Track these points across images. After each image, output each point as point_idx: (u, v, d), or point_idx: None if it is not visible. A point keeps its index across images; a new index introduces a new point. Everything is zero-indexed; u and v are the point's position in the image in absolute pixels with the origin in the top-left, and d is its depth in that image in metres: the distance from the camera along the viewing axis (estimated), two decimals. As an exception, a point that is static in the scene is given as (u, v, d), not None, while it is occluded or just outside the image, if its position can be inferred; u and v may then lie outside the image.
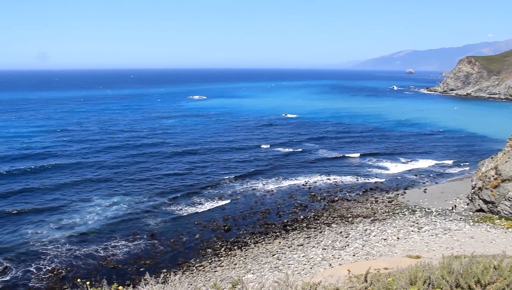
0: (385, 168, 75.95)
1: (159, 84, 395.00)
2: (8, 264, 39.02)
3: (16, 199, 55.54)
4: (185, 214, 52.39)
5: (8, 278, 37.05)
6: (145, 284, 10.85)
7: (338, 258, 39.88)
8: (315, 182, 66.64)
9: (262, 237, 45.97)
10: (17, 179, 63.73)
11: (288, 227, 48.77)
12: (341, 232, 46.28)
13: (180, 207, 54.58)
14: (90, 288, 11.46)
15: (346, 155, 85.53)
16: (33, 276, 37.47)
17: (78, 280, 14.04)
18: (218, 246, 43.86)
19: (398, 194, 60.16)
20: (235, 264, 39.57)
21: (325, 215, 52.47)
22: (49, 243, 43.43)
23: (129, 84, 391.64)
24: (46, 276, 37.47)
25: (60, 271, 38.20)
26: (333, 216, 52.03)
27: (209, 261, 40.59)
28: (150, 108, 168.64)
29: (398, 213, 52.21)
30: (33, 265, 39.21)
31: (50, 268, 38.61)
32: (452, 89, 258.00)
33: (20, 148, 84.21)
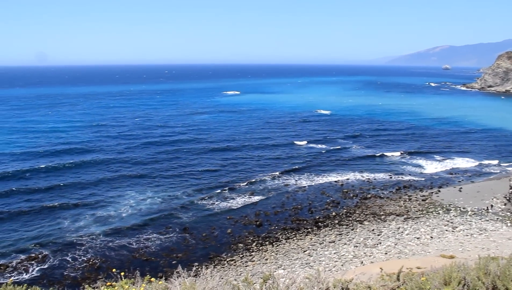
0: (420, 166, 74.69)
1: (193, 79, 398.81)
2: (46, 253, 40.27)
3: (54, 192, 57.03)
4: (217, 209, 52.77)
5: (46, 266, 38.35)
6: (177, 277, 10.99)
7: (370, 256, 39.54)
8: (348, 179, 66.10)
9: (293, 233, 45.94)
10: (56, 173, 65.47)
11: (319, 223, 48.60)
12: (373, 230, 45.85)
13: (212, 202, 55.01)
14: (124, 279, 11.69)
15: (380, 152, 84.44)
16: (69, 265, 38.60)
17: (113, 270, 14.34)
18: (250, 241, 44.06)
19: (432, 193, 59.09)
20: (266, 260, 39.70)
21: (357, 212, 52.04)
22: (85, 234, 44.52)
23: (164, 79, 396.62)
24: (82, 266, 38.49)
25: (95, 261, 39.15)
26: (366, 213, 51.54)
27: (241, 255, 40.83)
28: (184, 103, 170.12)
29: (432, 212, 51.31)
30: (69, 254, 40.34)
31: (85, 259, 39.63)
32: (490, 86, 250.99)
33: (58, 143, 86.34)
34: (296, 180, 65.07)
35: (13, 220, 47.21)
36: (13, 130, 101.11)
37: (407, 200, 56.19)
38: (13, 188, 57.13)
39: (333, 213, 51.62)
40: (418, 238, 43.09)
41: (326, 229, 46.99)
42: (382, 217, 50.11)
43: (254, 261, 39.51)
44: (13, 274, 36.49)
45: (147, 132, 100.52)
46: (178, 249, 42.06)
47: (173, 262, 38.99)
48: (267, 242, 43.68)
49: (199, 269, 15.88)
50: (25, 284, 11.95)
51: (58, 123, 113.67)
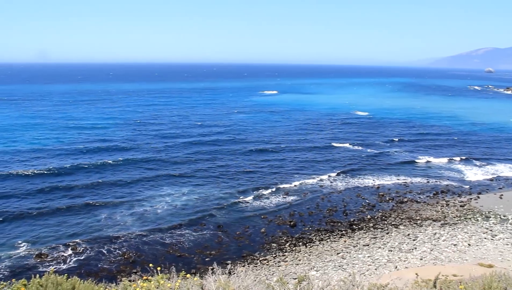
0: (459, 171, 72.95)
1: (231, 78, 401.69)
2: (84, 245, 41.36)
3: (92, 189, 58.31)
4: (252, 209, 52.97)
5: (83, 257, 39.51)
6: (212, 274, 11.11)
7: (404, 261, 38.91)
8: (384, 182, 65.22)
9: (327, 235, 45.66)
10: (95, 170, 66.81)
11: (354, 226, 48.13)
12: (408, 235, 45.07)
13: (247, 202, 55.22)
14: (160, 274, 11.91)
15: (418, 156, 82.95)
16: (104, 258, 39.61)
17: (151, 265, 14.59)
18: (283, 241, 44.03)
19: (471, 199, 57.68)
20: (299, 260, 39.59)
21: (392, 216, 51.28)
22: (121, 229, 45.48)
23: (202, 78, 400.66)
24: (117, 259, 39.38)
25: (130, 255, 39.96)
26: (401, 217, 50.74)
27: (274, 255, 40.85)
28: (222, 102, 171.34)
29: (470, 219, 50.04)
30: (105, 247, 41.33)
31: (120, 252, 40.54)
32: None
33: (98, 140, 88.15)
34: (331, 182, 64.64)
35: (54, 215, 48.52)
36: (55, 126, 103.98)
37: (445, 206, 55.03)
38: (54, 184, 58.65)
39: (368, 216, 51.05)
40: (455, 245, 42.13)
41: (360, 232, 46.52)
42: (418, 221, 49.22)
43: (287, 261, 39.46)
44: (52, 264, 37.70)
45: (185, 131, 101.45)
46: (212, 247, 42.42)
47: (207, 259, 39.35)
48: (300, 243, 43.56)
49: (232, 267, 16.02)
50: (65, 274, 12.33)
51: (99, 120, 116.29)
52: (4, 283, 12.35)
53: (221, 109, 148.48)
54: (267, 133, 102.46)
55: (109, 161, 70.40)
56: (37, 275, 12.16)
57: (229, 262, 38.29)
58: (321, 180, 65.63)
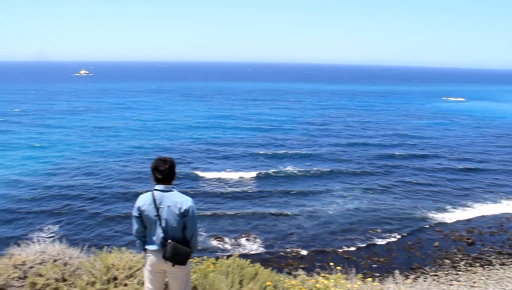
0: None
1: (410, 81, 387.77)
2: (257, 237, 44.26)
3: (269, 193, 61.81)
4: (428, 219, 50.51)
5: (255, 247, 42.24)
6: (392, 281, 11.09)
7: None
8: None
9: (510, 260, 41.52)
10: (272, 175, 70.18)
11: (544, 254, 42.98)
12: None
13: (424, 212, 52.73)
14: (337, 273, 12.33)
15: None
16: (273, 250, 41.73)
17: (331, 264, 15.12)
18: (458, 258, 41.19)
19: None
20: (474, 282, 36.68)
21: None
22: (291, 226, 47.40)
23: (380, 80, 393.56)
24: (285, 252, 41.23)
25: (298, 250, 41.53)
26: None
27: (445, 272, 38.49)
28: (402, 108, 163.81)
29: None
30: (276, 241, 43.62)
31: (289, 246, 42.35)
32: None
33: (275, 143, 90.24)
34: (519, 202, 58.45)
35: (231, 214, 50.88)
36: (236, 124, 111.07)
37: None
38: (230, 188, 60.94)
39: None
40: None
41: (552, 262, 41.35)
42: None
43: (460, 281, 36.88)
44: (228, 250, 41.03)
45: (364, 140, 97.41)
46: (380, 253, 41.59)
47: (374, 265, 38.78)
48: (477, 264, 40.30)
49: (401, 277, 15.73)
50: (249, 259, 13.45)
51: (279, 122, 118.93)
52: (198, 258, 14.00)
53: (401, 115, 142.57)
54: (451, 146, 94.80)
55: (287, 169, 70.18)
56: (224, 257, 13.55)
57: (396, 271, 37.07)
58: (507, 198, 59.67)
